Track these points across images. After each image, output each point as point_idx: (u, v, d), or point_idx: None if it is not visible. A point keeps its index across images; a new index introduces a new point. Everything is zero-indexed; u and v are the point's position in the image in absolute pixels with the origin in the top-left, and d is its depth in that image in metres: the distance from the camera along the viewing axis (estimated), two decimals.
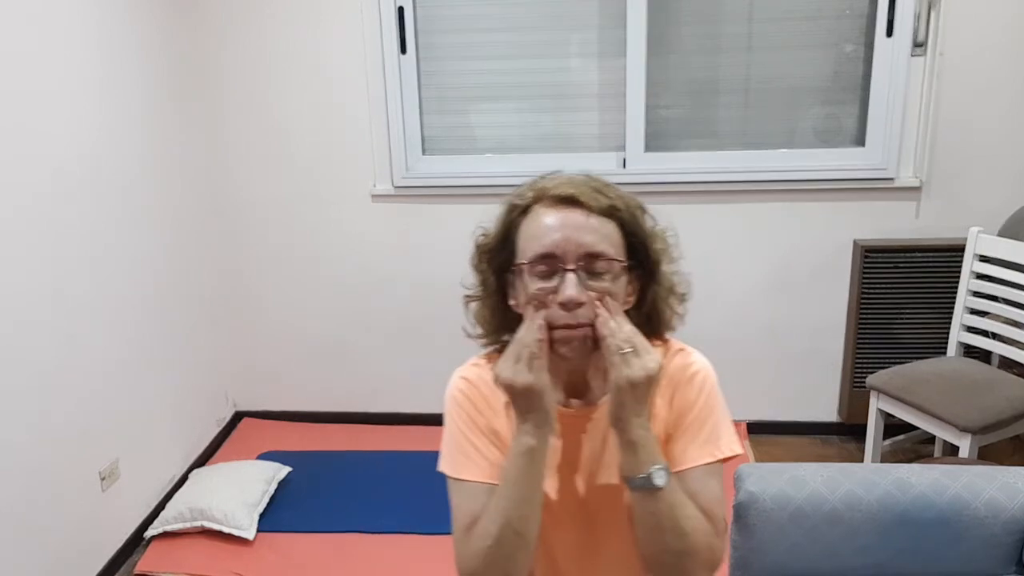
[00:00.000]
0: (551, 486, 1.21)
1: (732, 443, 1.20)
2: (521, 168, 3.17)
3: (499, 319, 1.24)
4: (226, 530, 2.70)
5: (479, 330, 1.27)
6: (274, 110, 3.21)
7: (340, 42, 3.11)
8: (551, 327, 1.12)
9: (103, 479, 2.58)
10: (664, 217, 1.24)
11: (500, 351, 1.24)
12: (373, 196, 3.26)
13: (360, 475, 3.09)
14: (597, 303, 1.11)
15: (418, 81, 3.18)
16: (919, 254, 3.01)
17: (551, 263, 1.12)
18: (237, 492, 2.81)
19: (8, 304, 2.17)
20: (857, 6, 2.96)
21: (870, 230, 3.09)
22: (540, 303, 1.12)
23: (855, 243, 3.08)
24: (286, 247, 3.37)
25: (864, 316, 3.09)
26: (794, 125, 3.11)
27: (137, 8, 2.78)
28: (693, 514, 1.12)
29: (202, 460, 3.24)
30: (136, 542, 2.76)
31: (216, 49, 3.16)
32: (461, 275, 3.67)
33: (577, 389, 1.23)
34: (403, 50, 3.12)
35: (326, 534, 2.74)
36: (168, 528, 2.74)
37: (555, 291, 1.12)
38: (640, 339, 1.11)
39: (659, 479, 1.09)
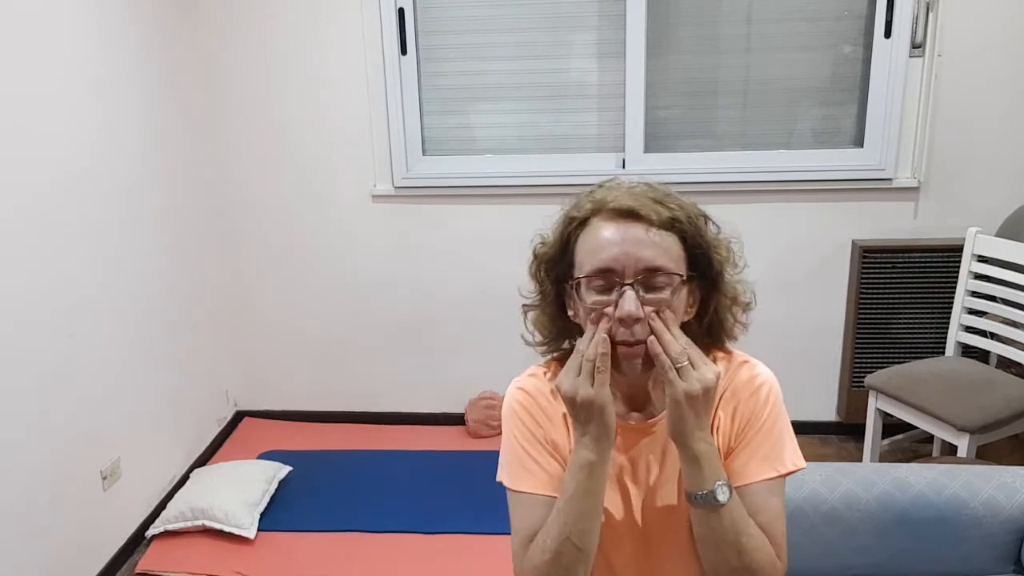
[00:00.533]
0: (611, 501, 1.21)
1: (796, 457, 1.19)
2: (521, 169, 3.19)
3: (558, 327, 1.23)
4: (227, 529, 2.70)
5: (538, 337, 1.26)
6: (274, 110, 3.21)
7: (340, 43, 3.11)
8: (611, 342, 1.10)
9: (104, 478, 2.58)
10: (728, 225, 1.22)
11: (558, 360, 1.25)
12: (373, 196, 3.27)
13: (360, 475, 3.09)
14: (653, 316, 1.09)
15: (418, 82, 3.18)
16: (917, 254, 3.02)
17: (609, 278, 1.11)
18: (238, 491, 2.81)
19: (9, 304, 2.18)
20: (855, 7, 2.97)
21: (869, 230, 3.10)
22: (599, 316, 1.11)
23: (854, 243, 3.09)
24: (286, 247, 3.37)
25: (863, 316, 3.10)
26: (793, 126, 3.12)
27: (137, 8, 2.78)
28: (754, 532, 1.11)
29: (203, 459, 3.24)
30: (137, 541, 2.77)
31: (216, 49, 3.16)
32: (461, 275, 3.66)
33: (637, 402, 1.22)
34: (403, 51, 3.12)
35: (326, 533, 2.75)
36: (169, 527, 2.74)
37: (613, 305, 1.10)
38: (696, 351, 1.10)
39: (721, 495, 1.08)
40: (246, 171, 3.30)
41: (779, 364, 3.75)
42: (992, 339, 2.77)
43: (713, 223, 1.20)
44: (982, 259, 2.77)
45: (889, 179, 3.04)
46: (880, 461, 2.85)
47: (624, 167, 3.15)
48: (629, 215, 1.12)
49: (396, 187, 3.24)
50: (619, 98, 3.11)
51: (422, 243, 3.31)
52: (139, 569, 2.61)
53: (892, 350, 3.10)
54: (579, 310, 1.15)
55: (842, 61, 3.03)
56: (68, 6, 2.42)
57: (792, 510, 1.70)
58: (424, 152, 3.27)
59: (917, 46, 2.92)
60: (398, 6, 3.07)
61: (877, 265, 3.05)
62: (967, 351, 2.87)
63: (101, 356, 2.58)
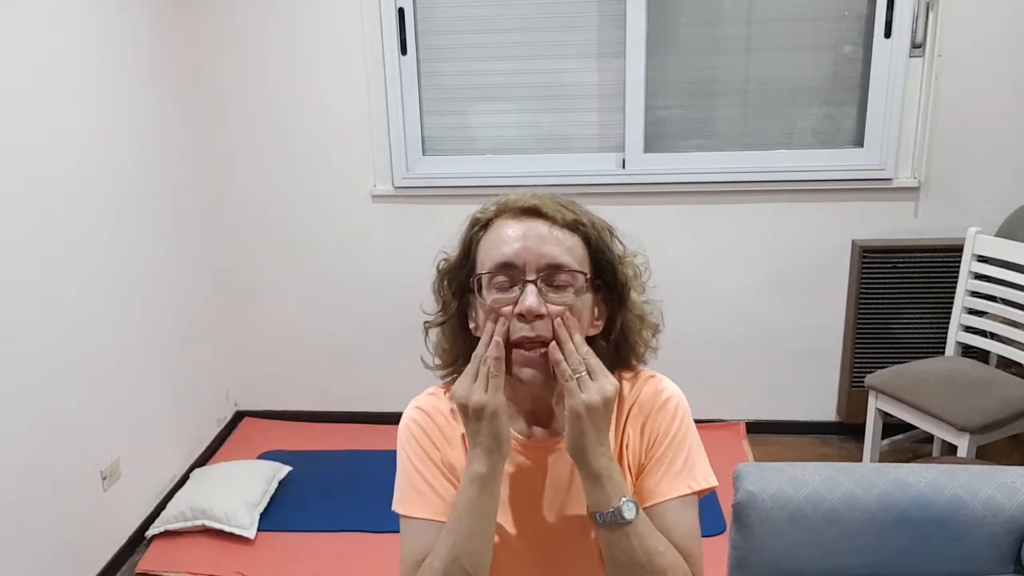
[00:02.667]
0: (512, 521, 1.15)
1: (708, 474, 1.14)
2: (521, 169, 3.19)
3: (459, 346, 1.16)
4: (227, 529, 2.70)
5: (437, 360, 1.20)
6: (275, 110, 3.21)
7: (340, 43, 3.11)
8: (510, 343, 1.06)
9: (104, 478, 2.58)
10: (632, 240, 1.19)
11: None
12: (373, 196, 3.27)
13: (360, 475, 3.09)
14: (559, 323, 1.05)
15: (418, 82, 3.18)
16: (917, 254, 3.02)
17: (511, 274, 1.07)
18: (238, 491, 2.81)
19: (9, 304, 2.18)
20: (855, 7, 2.97)
21: (869, 230, 3.10)
22: (497, 315, 1.06)
23: (854, 243, 3.09)
24: (286, 247, 3.37)
25: (863, 316, 3.10)
26: (793, 126, 3.12)
27: (138, 9, 2.78)
28: (666, 550, 1.05)
29: (203, 459, 3.24)
30: (137, 541, 2.77)
31: (217, 49, 3.16)
32: None
33: (541, 418, 1.17)
34: (403, 51, 3.12)
35: (326, 533, 2.75)
36: (169, 527, 2.74)
37: (514, 303, 1.05)
38: (596, 361, 1.05)
39: (628, 512, 1.02)
40: (246, 171, 3.30)
41: (779, 364, 3.76)
42: (992, 339, 2.76)
43: (619, 240, 1.17)
44: (982, 259, 2.77)
45: (889, 179, 3.04)
46: (880, 461, 2.85)
47: (624, 167, 3.14)
48: (532, 212, 1.10)
49: (396, 187, 3.24)
50: (619, 98, 3.11)
51: (422, 243, 3.29)
52: (139, 569, 2.61)
53: (892, 350, 3.09)
54: (480, 316, 1.10)
55: (842, 61, 3.03)
56: (67, 7, 2.42)
57: (792, 510, 1.70)
58: (424, 152, 3.26)
59: (917, 46, 2.92)
60: (398, 6, 3.07)
61: (877, 265, 3.05)
62: (967, 351, 2.87)
63: (102, 356, 2.58)
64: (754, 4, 3.01)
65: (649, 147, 3.14)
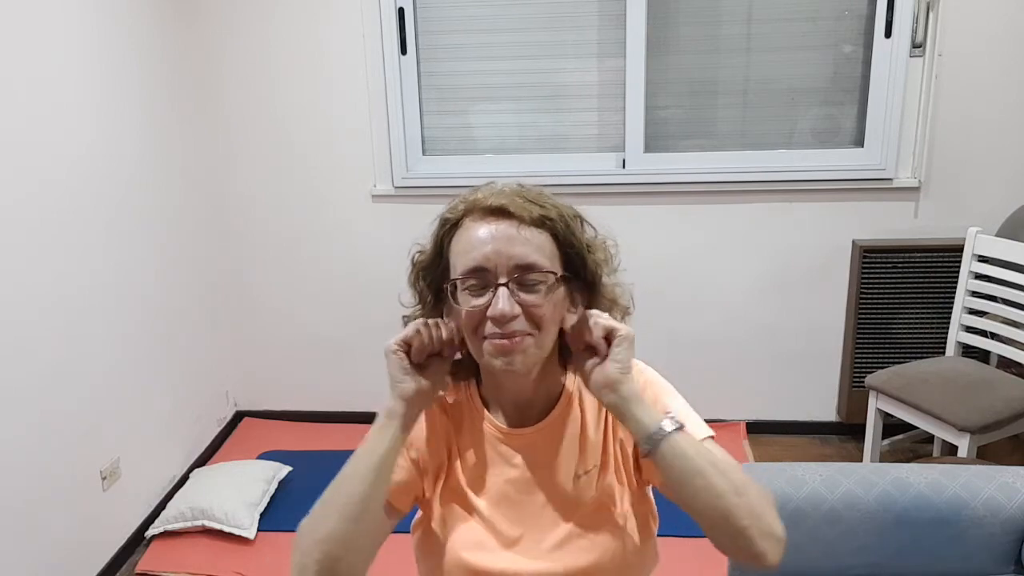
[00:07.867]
0: (498, 506, 1.19)
1: (706, 428, 1.15)
2: (521, 169, 3.19)
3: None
4: (227, 529, 2.70)
5: None
6: (274, 110, 3.21)
7: (340, 43, 3.12)
8: (486, 337, 1.09)
9: (104, 478, 2.58)
10: (604, 228, 1.21)
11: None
12: (373, 196, 3.27)
13: None
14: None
15: (418, 81, 3.18)
16: (918, 254, 3.02)
17: (482, 277, 1.09)
18: (238, 492, 2.81)
19: (9, 304, 2.18)
20: (856, 7, 2.97)
21: (869, 230, 3.10)
22: (479, 320, 1.09)
23: (854, 243, 3.09)
24: (286, 247, 3.37)
25: (863, 316, 3.10)
26: (793, 126, 3.12)
27: (137, 9, 2.78)
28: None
29: (203, 460, 3.24)
30: (137, 541, 2.77)
31: (216, 49, 3.16)
32: None
33: (522, 411, 1.21)
34: (403, 51, 3.12)
35: None
36: (169, 527, 2.74)
37: (489, 307, 1.08)
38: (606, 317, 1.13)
39: (676, 421, 1.05)
40: (246, 171, 3.30)
41: (779, 364, 3.77)
42: (992, 339, 2.76)
43: (590, 225, 1.19)
44: (982, 259, 2.77)
45: (889, 179, 3.04)
46: (880, 461, 2.85)
47: (624, 167, 3.14)
48: (499, 213, 1.11)
49: (396, 187, 3.24)
50: (619, 98, 3.11)
51: None
52: (139, 569, 2.61)
53: (892, 350, 3.09)
54: (457, 317, 1.13)
55: (842, 61, 3.03)
56: (67, 6, 2.42)
57: (792, 510, 1.70)
58: (424, 152, 3.27)
59: (917, 46, 2.92)
60: (398, 6, 3.08)
61: (877, 265, 3.05)
62: (967, 351, 2.87)
63: (101, 356, 2.58)
64: (754, 4, 3.01)
65: (649, 147, 3.14)
